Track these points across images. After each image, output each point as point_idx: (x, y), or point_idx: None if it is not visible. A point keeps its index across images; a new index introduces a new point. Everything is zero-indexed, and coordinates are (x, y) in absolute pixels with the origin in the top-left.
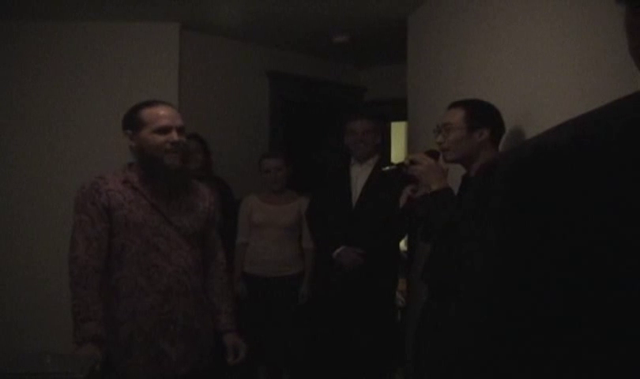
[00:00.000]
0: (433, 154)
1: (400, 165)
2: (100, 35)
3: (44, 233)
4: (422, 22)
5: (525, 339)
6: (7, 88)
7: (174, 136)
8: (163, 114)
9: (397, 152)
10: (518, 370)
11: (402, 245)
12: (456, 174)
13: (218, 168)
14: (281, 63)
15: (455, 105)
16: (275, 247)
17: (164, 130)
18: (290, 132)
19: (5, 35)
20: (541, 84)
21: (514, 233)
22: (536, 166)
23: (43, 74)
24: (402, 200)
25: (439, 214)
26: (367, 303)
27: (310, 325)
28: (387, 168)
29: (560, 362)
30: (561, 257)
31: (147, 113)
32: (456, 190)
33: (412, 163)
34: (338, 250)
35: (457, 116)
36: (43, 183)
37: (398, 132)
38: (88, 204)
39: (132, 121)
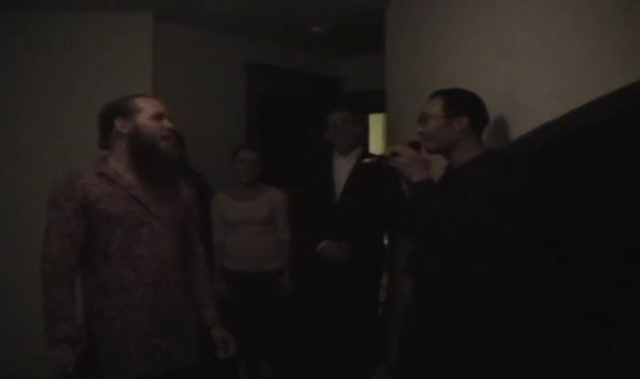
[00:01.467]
0: (415, 145)
1: (382, 157)
2: (71, 25)
3: (6, 232)
4: (399, 10)
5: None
6: None
7: (168, 123)
8: (156, 102)
9: (377, 144)
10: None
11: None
12: (438, 167)
13: (193, 162)
14: (258, 55)
15: (435, 94)
16: (253, 243)
17: (159, 117)
18: (268, 125)
19: None
20: (524, 72)
21: (542, 216)
22: (568, 150)
23: (11, 64)
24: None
25: (423, 206)
26: (351, 298)
27: (292, 319)
28: (368, 160)
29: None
30: (598, 243)
31: (140, 100)
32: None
33: (394, 154)
34: (322, 244)
35: (436, 105)
36: (10, 177)
37: (377, 124)
38: (62, 200)
39: (124, 108)
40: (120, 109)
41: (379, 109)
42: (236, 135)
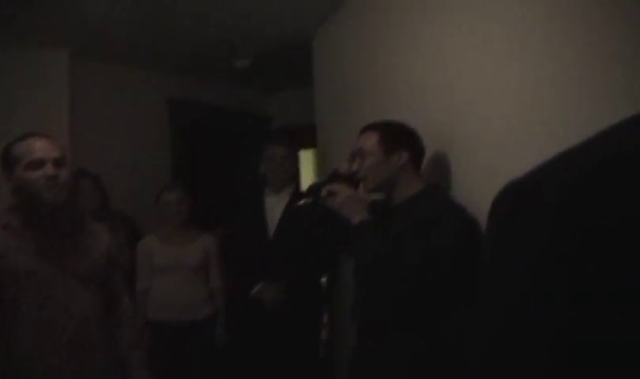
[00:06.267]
0: (350, 179)
1: (317, 198)
2: None
3: None
4: (326, 42)
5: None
6: None
7: (49, 169)
8: (36, 146)
9: (307, 182)
10: None
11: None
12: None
13: (121, 204)
14: (182, 91)
15: (367, 129)
16: (182, 290)
17: (38, 164)
18: (195, 163)
19: None
20: (462, 100)
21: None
22: (606, 181)
23: None
24: None
25: (365, 249)
26: (291, 341)
27: (230, 370)
28: (303, 202)
29: None
30: None
31: (19, 148)
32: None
33: (330, 194)
34: (256, 287)
35: (371, 140)
36: None
37: (307, 160)
38: None
39: (5, 161)
40: (2, 163)
41: (310, 144)
42: (162, 175)
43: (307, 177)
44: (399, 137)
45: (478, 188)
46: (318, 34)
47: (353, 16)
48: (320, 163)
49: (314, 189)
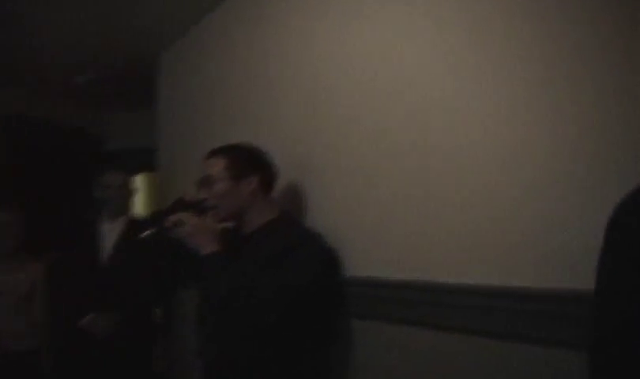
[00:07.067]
0: (197, 206)
1: (162, 228)
2: None
3: None
4: (172, 63)
5: None
6: None
7: None
8: None
9: (143, 207)
10: None
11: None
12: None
13: None
14: (16, 105)
15: (214, 153)
16: (6, 319)
17: None
18: (29, 183)
19: None
20: (318, 125)
21: None
22: None
23: None
24: None
25: (216, 282)
26: (122, 373)
27: None
28: (147, 233)
29: None
30: None
31: None
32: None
33: (177, 223)
34: (87, 317)
35: (219, 166)
36: None
37: (144, 185)
38: None
39: None
40: None
41: (145, 168)
42: None
43: (144, 203)
44: (248, 162)
45: (335, 215)
46: (164, 55)
47: (203, 37)
48: (162, 189)
49: (158, 217)
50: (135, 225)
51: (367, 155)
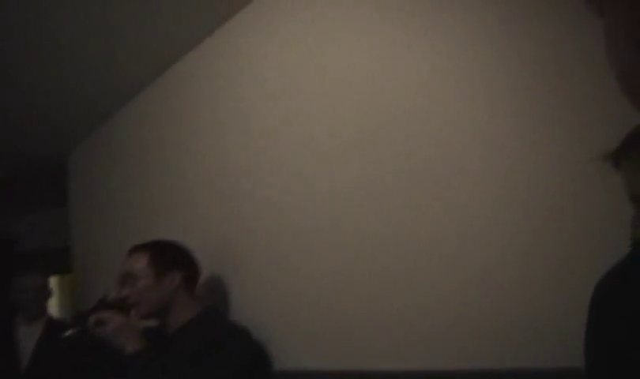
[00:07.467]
0: (120, 305)
1: (84, 328)
2: None
3: None
4: (84, 160)
5: None
6: None
7: None
8: None
9: (60, 309)
10: None
11: None
12: None
13: None
14: None
15: (136, 250)
16: None
17: None
18: None
19: None
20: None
21: None
22: None
23: None
24: None
25: None
26: None
27: None
28: (70, 332)
29: None
30: None
31: None
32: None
33: (99, 323)
34: None
35: (141, 262)
36: None
37: (59, 286)
38: None
39: None
40: None
41: (61, 269)
42: None
43: (58, 304)
44: (171, 257)
45: (262, 307)
46: (75, 153)
47: (114, 134)
48: (78, 289)
49: (80, 317)
50: (55, 325)
51: (293, 246)
